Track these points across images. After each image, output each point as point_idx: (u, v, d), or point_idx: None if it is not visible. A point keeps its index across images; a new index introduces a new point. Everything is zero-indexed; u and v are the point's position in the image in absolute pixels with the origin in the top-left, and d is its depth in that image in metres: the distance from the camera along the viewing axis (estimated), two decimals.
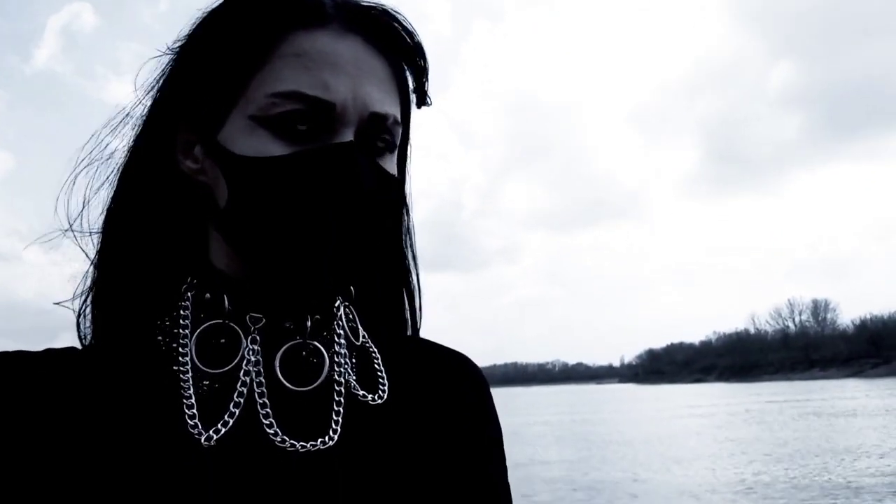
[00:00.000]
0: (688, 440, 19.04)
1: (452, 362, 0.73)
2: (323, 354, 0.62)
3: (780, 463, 14.01)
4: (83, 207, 0.67)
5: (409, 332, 0.74)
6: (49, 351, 0.62)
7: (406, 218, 0.72)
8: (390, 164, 0.62)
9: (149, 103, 0.65)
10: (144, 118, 0.65)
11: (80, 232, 0.67)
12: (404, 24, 0.63)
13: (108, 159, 0.67)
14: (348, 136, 0.58)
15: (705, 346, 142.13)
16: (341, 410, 0.60)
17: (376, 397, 0.63)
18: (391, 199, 0.63)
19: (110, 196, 0.66)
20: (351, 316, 0.68)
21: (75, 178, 0.67)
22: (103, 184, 0.66)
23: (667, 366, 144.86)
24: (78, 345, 0.66)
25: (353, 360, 0.65)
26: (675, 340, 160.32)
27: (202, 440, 0.55)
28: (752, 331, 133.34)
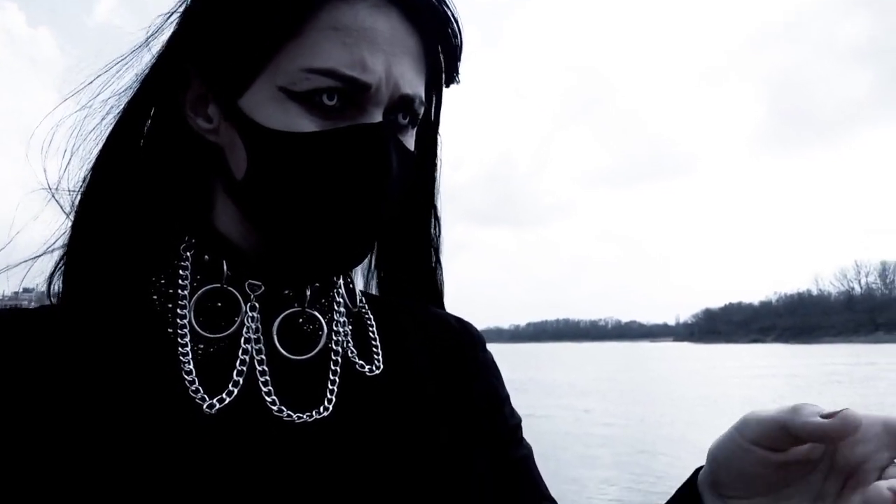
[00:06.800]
0: (748, 404, 18.65)
1: (451, 328, 0.72)
2: (320, 322, 0.62)
3: None
4: (69, 157, 0.63)
5: (433, 301, 0.75)
6: (44, 307, 0.61)
7: (434, 199, 0.72)
8: (410, 141, 0.61)
9: (158, 50, 0.62)
10: (152, 65, 0.61)
11: (64, 190, 0.64)
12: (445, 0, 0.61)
13: (100, 107, 0.63)
14: (377, 115, 0.57)
15: (765, 307, 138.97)
16: (337, 380, 0.61)
17: (373, 367, 0.63)
18: (412, 177, 0.63)
19: (103, 142, 0.62)
20: (349, 279, 0.68)
21: (55, 129, 0.64)
22: (91, 132, 0.63)
23: (724, 325, 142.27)
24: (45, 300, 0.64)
25: (350, 328, 0.65)
26: (734, 300, 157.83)
27: (204, 406, 0.55)
28: (815, 292, 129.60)
